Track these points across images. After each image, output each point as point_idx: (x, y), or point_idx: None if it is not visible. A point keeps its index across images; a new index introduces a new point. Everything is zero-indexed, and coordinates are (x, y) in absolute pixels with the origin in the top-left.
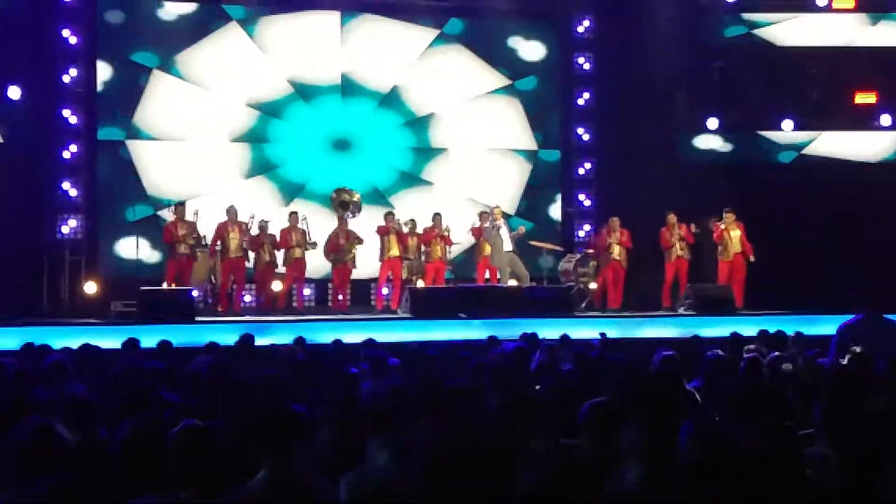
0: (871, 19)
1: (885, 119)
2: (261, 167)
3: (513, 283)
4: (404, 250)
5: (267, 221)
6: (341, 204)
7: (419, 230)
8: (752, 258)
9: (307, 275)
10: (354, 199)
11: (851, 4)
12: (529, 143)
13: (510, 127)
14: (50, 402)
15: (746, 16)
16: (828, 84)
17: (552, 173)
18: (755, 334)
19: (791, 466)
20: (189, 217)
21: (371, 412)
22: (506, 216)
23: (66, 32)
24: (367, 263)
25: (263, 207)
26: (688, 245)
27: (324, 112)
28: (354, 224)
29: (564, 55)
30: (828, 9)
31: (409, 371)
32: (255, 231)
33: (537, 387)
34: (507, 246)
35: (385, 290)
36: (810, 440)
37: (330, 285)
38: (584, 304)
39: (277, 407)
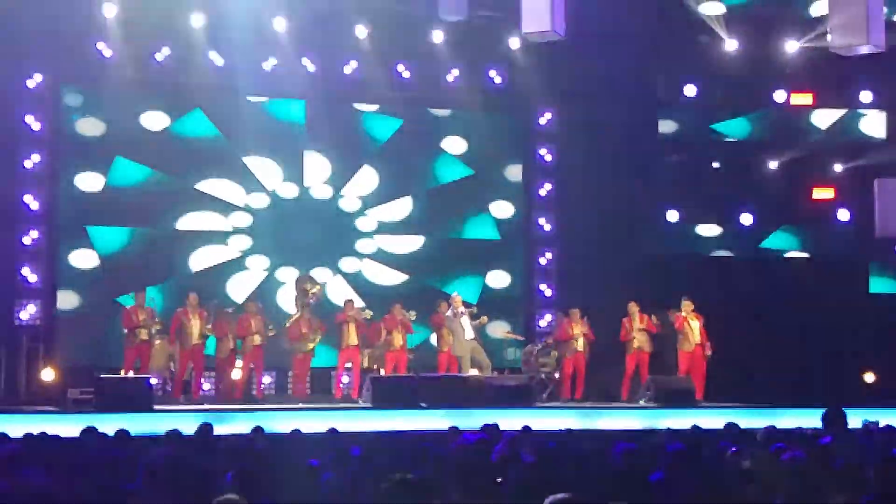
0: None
1: (843, 214)
2: None
3: (474, 371)
4: (364, 339)
5: (227, 308)
6: (302, 292)
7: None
8: (708, 353)
9: (268, 362)
10: (315, 289)
11: (810, 101)
12: (491, 231)
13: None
14: (4, 493)
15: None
16: (786, 179)
17: (514, 262)
18: (716, 426)
19: None
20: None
21: None
22: (467, 305)
23: (29, 118)
24: (325, 351)
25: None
26: (649, 336)
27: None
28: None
29: (527, 146)
30: (786, 105)
31: (370, 462)
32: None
33: (499, 479)
34: (469, 334)
35: (346, 379)
36: None
37: (290, 373)
38: (545, 395)
39: (235, 499)
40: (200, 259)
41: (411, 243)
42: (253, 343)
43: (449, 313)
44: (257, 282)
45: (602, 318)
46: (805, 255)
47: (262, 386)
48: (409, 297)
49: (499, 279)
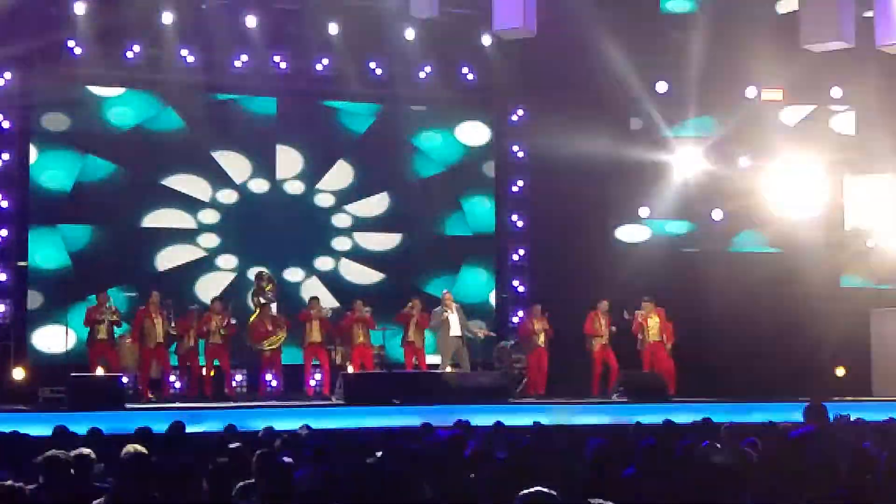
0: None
1: (813, 209)
2: None
3: (449, 369)
4: (327, 336)
5: (190, 307)
6: (259, 289)
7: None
8: (668, 345)
9: (240, 360)
10: (269, 286)
11: (780, 96)
12: (464, 228)
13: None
14: None
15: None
16: (756, 174)
17: (488, 258)
18: (688, 422)
19: None
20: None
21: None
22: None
23: None
24: (292, 349)
25: None
26: (610, 335)
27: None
28: None
29: (499, 143)
30: (757, 101)
31: (342, 459)
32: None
33: (471, 475)
34: (455, 331)
35: (318, 376)
36: None
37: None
38: (518, 390)
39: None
40: (168, 258)
41: (388, 241)
42: (211, 341)
43: (438, 308)
44: (227, 281)
45: (574, 315)
46: (776, 249)
47: (234, 383)
48: (385, 296)
49: (473, 276)
